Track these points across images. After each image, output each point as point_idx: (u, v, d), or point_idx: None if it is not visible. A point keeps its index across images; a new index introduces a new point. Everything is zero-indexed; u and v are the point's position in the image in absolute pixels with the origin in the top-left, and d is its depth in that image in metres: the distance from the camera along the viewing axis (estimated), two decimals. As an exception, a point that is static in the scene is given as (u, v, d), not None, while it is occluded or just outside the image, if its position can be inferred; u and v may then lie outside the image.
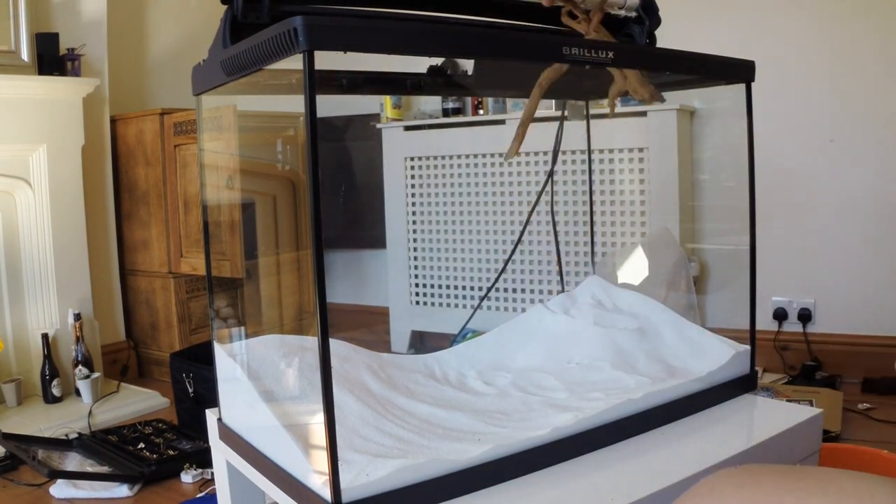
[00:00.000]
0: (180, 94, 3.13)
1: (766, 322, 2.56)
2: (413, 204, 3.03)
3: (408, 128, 3.04)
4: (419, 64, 0.81)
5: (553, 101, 2.57)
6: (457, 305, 2.95)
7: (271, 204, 2.88)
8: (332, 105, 3.31)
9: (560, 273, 1.89)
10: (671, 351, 0.99)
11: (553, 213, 1.44)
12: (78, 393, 2.56)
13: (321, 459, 0.63)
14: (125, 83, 3.09)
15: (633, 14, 0.93)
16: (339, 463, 0.61)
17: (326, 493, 0.61)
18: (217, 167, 2.41)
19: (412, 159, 3.01)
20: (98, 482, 1.88)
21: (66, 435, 2.18)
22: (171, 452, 2.03)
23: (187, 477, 1.93)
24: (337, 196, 3.34)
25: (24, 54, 2.57)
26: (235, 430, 0.83)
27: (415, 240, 3.04)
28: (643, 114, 2.47)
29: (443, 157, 2.93)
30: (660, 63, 0.83)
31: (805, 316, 2.52)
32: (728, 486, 0.50)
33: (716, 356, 0.91)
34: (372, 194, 3.19)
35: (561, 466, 0.72)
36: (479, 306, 2.48)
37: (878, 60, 2.36)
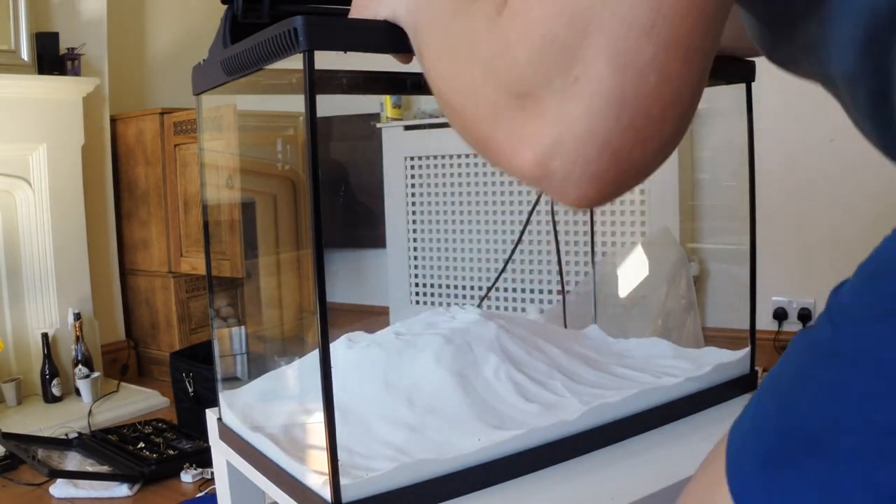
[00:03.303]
0: (180, 94, 3.13)
1: (766, 322, 2.56)
2: (413, 204, 3.03)
3: (408, 127, 3.03)
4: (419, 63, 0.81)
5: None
6: (457, 305, 2.95)
7: (271, 203, 2.88)
8: (332, 105, 3.31)
9: (560, 273, 1.89)
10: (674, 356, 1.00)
11: (553, 213, 1.44)
12: (78, 392, 2.56)
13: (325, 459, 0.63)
14: (125, 83, 3.09)
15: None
16: (339, 463, 0.61)
17: (326, 493, 0.61)
18: (217, 167, 2.42)
19: (412, 159, 3.01)
20: (98, 482, 1.88)
21: (66, 434, 2.18)
22: (171, 452, 2.03)
23: (187, 476, 1.93)
24: (337, 196, 3.34)
25: (24, 54, 2.57)
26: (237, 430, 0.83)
27: (415, 239, 3.04)
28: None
29: (443, 157, 2.92)
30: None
31: (805, 316, 2.52)
32: None
33: (714, 360, 0.92)
34: (372, 194, 3.19)
35: (561, 466, 0.72)
36: (479, 306, 2.49)
37: (879, 60, 2.35)
